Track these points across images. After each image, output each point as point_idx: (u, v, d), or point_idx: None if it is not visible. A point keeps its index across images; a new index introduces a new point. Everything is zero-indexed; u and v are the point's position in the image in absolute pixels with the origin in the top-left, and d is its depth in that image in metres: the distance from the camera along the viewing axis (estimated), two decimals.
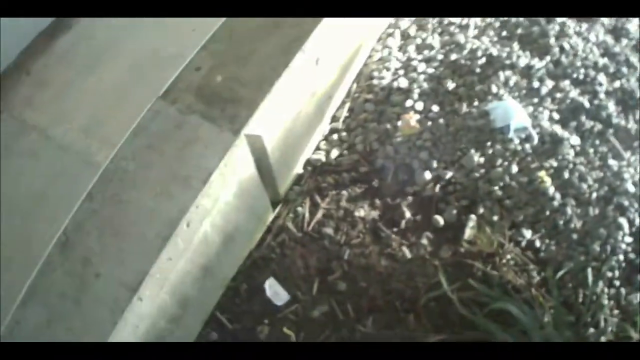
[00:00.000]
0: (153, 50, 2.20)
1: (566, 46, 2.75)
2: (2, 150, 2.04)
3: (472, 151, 2.40)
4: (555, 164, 2.41)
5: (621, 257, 2.30)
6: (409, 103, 2.53)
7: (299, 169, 2.46)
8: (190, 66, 2.11)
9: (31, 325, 1.73)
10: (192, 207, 1.80)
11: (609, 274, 2.26)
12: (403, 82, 2.60)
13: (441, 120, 2.47)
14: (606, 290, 2.24)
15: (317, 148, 2.52)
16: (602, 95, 2.63)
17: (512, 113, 2.44)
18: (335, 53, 2.44)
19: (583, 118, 2.55)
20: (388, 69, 2.70)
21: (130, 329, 1.75)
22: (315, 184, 2.41)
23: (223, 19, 2.20)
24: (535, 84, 2.60)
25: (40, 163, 2.00)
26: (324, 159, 2.48)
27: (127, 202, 1.85)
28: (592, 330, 2.13)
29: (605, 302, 2.21)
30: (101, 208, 1.85)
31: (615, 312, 2.20)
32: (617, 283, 2.26)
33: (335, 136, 2.55)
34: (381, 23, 2.90)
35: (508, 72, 2.61)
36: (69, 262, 1.79)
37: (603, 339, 2.11)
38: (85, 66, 2.20)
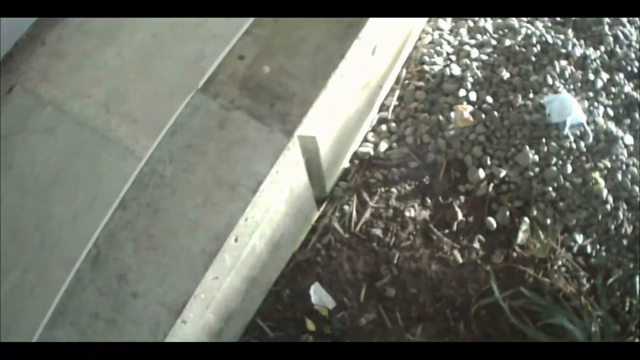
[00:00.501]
0: (175, 21, 1.76)
1: (620, 35, 2.31)
2: (16, 127, 1.67)
3: (527, 148, 1.98)
4: (609, 164, 2.03)
5: None
6: (462, 93, 2.08)
7: (346, 163, 2.04)
8: (232, 53, 1.66)
9: None
10: (241, 220, 1.41)
11: None
12: (455, 69, 2.15)
13: (495, 113, 2.04)
14: None
15: (365, 140, 2.09)
16: None
17: (569, 108, 2.02)
18: (390, 38, 2.00)
19: (637, 115, 2.15)
20: (440, 54, 2.24)
21: None
22: (363, 179, 2.00)
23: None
24: (591, 76, 2.16)
25: (56, 140, 1.63)
26: (372, 152, 2.05)
27: (166, 212, 1.46)
28: (637, 340, 1.85)
29: None
30: (136, 218, 1.46)
31: None
32: None
33: (384, 127, 2.11)
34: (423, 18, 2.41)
35: (563, 62, 2.16)
36: (102, 279, 1.42)
37: None
38: (104, 37, 1.79)
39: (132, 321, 1.36)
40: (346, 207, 1.93)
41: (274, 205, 1.53)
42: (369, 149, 2.04)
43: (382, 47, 1.87)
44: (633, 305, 1.89)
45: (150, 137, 1.55)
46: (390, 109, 2.13)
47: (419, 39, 2.30)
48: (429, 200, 1.94)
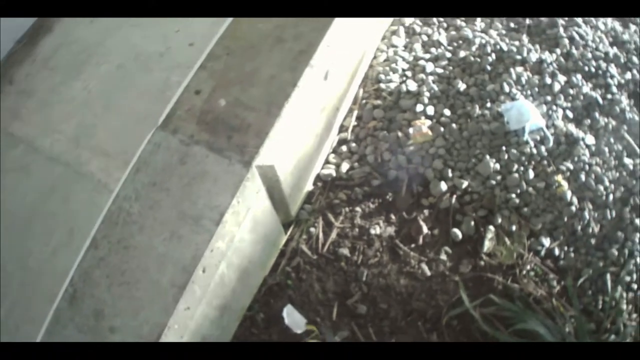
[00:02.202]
0: (138, 52, 2.05)
1: (576, 36, 2.59)
2: None
3: (488, 157, 2.25)
4: (571, 166, 2.28)
5: (639, 259, 2.21)
6: (419, 108, 2.35)
7: (309, 186, 2.29)
8: (189, 89, 1.92)
9: None
10: (206, 252, 1.65)
11: (627, 278, 2.19)
12: (412, 85, 2.43)
13: (454, 125, 2.31)
14: (625, 295, 2.17)
15: (327, 162, 2.35)
16: (614, 89, 2.49)
17: (527, 114, 2.29)
18: (343, 62, 2.26)
19: (597, 115, 2.42)
20: (395, 71, 2.51)
21: None
22: (327, 201, 2.25)
23: (219, 33, 2.02)
24: (548, 80, 2.44)
25: (30, 177, 1.88)
26: (334, 173, 2.30)
27: (135, 248, 1.69)
28: (613, 336, 2.07)
29: (624, 307, 2.14)
30: (108, 255, 1.70)
31: (634, 316, 2.15)
32: (635, 287, 2.19)
33: (344, 147, 2.37)
34: (385, 20, 2.70)
35: (519, 69, 2.45)
36: (80, 316, 1.64)
37: None
38: (70, 71, 2.07)
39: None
40: (312, 229, 2.17)
41: (238, 234, 1.76)
42: (331, 170, 2.29)
43: (335, 71, 2.13)
44: (606, 302, 2.12)
45: (121, 170, 1.79)
46: (350, 130, 2.39)
47: (374, 57, 2.58)
48: (393, 217, 2.19)
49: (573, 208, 2.21)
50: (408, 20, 2.72)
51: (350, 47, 2.31)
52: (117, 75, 1.99)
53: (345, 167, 2.31)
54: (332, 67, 2.07)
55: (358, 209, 2.22)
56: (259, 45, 1.97)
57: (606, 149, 2.35)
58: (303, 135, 2.06)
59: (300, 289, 2.10)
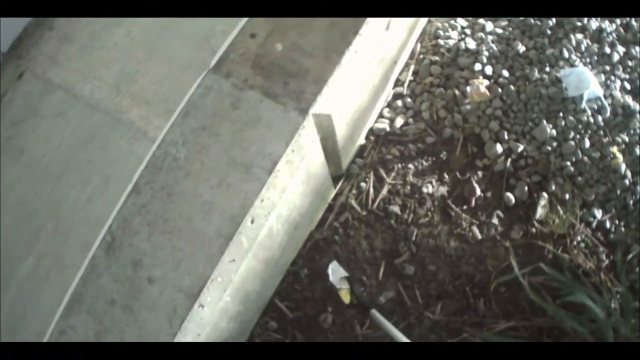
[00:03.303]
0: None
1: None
2: (27, 112, 1.55)
3: (544, 122, 1.83)
4: (627, 138, 1.87)
5: None
6: (477, 67, 1.92)
7: (362, 139, 1.89)
8: (244, 32, 1.51)
9: (79, 336, 1.27)
10: (256, 202, 1.29)
11: None
12: (470, 43, 1.99)
13: (512, 87, 1.88)
14: None
15: (381, 115, 1.94)
16: None
17: (586, 81, 1.86)
18: (396, 28, 1.83)
19: None
20: (454, 28, 2.07)
21: (191, 337, 1.27)
22: (380, 156, 1.84)
23: None
24: (607, 50, 1.99)
25: (68, 124, 1.52)
26: (388, 128, 1.89)
27: (180, 195, 1.33)
28: None
29: None
30: (150, 202, 1.34)
31: None
32: None
33: (399, 102, 1.95)
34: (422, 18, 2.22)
35: (579, 36, 2.00)
36: (117, 266, 1.30)
37: None
38: (112, 18, 1.65)
39: (149, 307, 1.25)
40: (363, 185, 1.79)
41: (290, 185, 1.40)
42: (385, 125, 1.89)
43: (396, 22, 1.72)
44: None
45: (162, 118, 1.43)
46: (406, 84, 1.97)
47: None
48: (446, 176, 1.80)
49: (626, 181, 1.82)
50: None
51: None
52: (161, 22, 1.60)
53: (399, 122, 1.91)
54: (393, 17, 1.62)
55: (411, 165, 1.82)
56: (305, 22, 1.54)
57: None
58: (360, 86, 1.67)
59: (347, 246, 1.73)
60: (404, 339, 1.49)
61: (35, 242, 1.37)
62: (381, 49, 1.70)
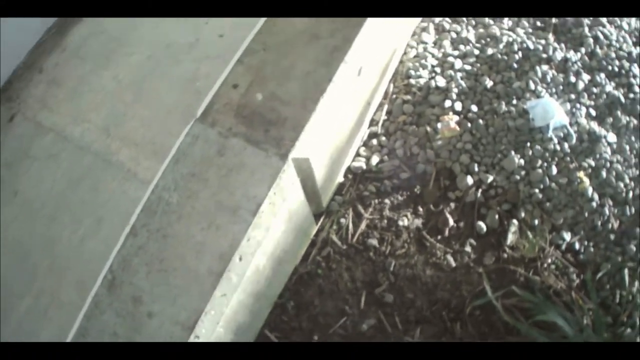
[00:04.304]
0: (168, 43, 1.98)
1: (600, 36, 2.50)
2: (19, 154, 1.86)
3: (513, 153, 2.17)
4: (593, 163, 2.20)
5: None
6: (447, 103, 2.27)
7: (340, 178, 2.22)
8: (227, 83, 1.85)
9: None
10: (243, 241, 1.59)
11: None
12: (440, 81, 2.35)
13: (480, 121, 2.23)
14: None
15: (357, 154, 2.28)
16: (636, 88, 2.39)
17: (551, 111, 2.20)
18: (375, 58, 2.19)
19: (619, 113, 2.33)
20: (425, 67, 2.43)
21: None
22: (357, 192, 2.18)
23: (256, 29, 1.94)
24: (572, 79, 2.35)
25: (59, 166, 1.82)
26: (364, 166, 2.24)
27: (174, 237, 1.64)
28: (629, 330, 2.00)
29: None
30: (147, 243, 1.65)
31: None
32: None
33: (374, 141, 2.30)
34: (416, 18, 2.61)
35: (545, 67, 2.35)
36: (119, 302, 1.60)
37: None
38: (100, 60, 2.00)
39: (149, 339, 1.53)
40: (343, 220, 2.11)
41: (273, 225, 1.71)
42: (361, 163, 2.23)
43: (368, 67, 2.06)
44: (623, 296, 2.05)
45: (151, 160, 1.74)
46: (380, 124, 2.32)
47: (405, 53, 2.50)
48: (420, 209, 2.13)
49: (594, 204, 2.14)
50: (438, 18, 2.63)
51: (382, 44, 2.23)
52: (147, 65, 1.93)
53: (375, 160, 2.25)
54: (365, 63, 2.00)
55: (387, 201, 2.15)
56: (294, 41, 1.90)
57: (627, 147, 2.27)
58: (336, 128, 2.00)
59: (330, 278, 2.05)
60: None
61: (32, 281, 1.65)
62: (354, 92, 2.03)
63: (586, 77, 2.36)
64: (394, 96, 2.38)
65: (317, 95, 1.75)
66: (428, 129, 2.24)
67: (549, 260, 2.07)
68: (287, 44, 1.89)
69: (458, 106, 2.27)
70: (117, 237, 1.65)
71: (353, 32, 1.87)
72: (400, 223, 2.09)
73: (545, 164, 2.16)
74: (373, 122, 2.34)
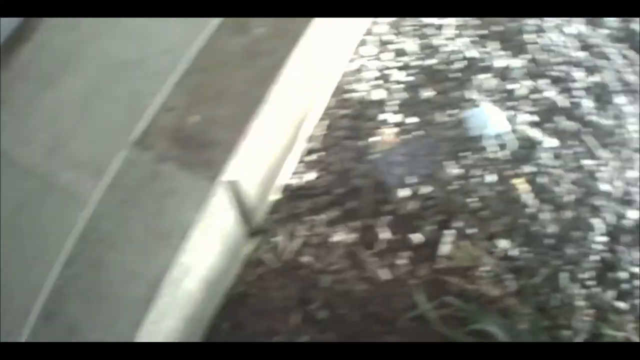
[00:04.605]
0: (114, 62, 2.29)
1: (543, 42, 2.90)
2: None
3: (449, 163, 2.55)
4: (531, 169, 2.57)
5: (596, 257, 2.48)
6: (385, 116, 2.65)
7: (275, 195, 2.56)
8: (164, 105, 2.17)
9: None
10: (174, 266, 1.89)
11: (583, 276, 2.44)
12: (379, 94, 2.72)
13: (417, 133, 2.60)
14: (580, 292, 2.43)
15: (294, 171, 2.64)
16: (577, 93, 2.78)
17: (488, 120, 2.61)
18: (312, 74, 2.54)
19: (559, 118, 2.71)
20: (364, 80, 2.81)
21: None
22: (293, 209, 2.55)
23: (195, 49, 2.30)
24: (512, 86, 2.74)
25: (4, 190, 2.07)
26: (299, 182, 2.60)
27: (108, 265, 1.92)
28: (566, 332, 2.33)
29: (580, 303, 2.40)
30: (82, 273, 1.92)
31: (590, 312, 2.41)
32: (591, 284, 2.44)
33: (312, 156, 2.65)
34: (356, 30, 2.99)
35: (485, 75, 2.75)
36: (55, 332, 1.87)
37: (578, 340, 2.32)
38: (45, 81, 2.27)
39: None
40: (277, 238, 2.46)
41: (204, 248, 2.02)
42: (296, 179, 2.57)
43: (304, 84, 2.43)
44: (561, 300, 2.37)
45: (90, 183, 2.01)
46: (317, 139, 2.68)
47: (345, 67, 2.87)
48: (354, 224, 2.49)
49: (530, 210, 2.50)
50: (378, 30, 3.01)
51: (321, 59, 2.60)
52: (93, 85, 2.22)
53: (310, 176, 2.58)
54: (301, 80, 2.36)
55: (322, 217, 2.51)
56: (232, 61, 2.24)
57: (566, 152, 2.64)
58: (270, 148, 2.35)
59: (264, 297, 2.38)
60: None
61: None
62: (290, 110, 2.39)
63: (527, 83, 2.75)
64: (333, 110, 2.75)
65: (250, 116, 2.09)
66: (365, 142, 2.61)
67: (485, 269, 2.41)
68: (225, 65, 2.23)
69: (395, 118, 2.65)
70: (54, 266, 1.92)
71: (290, 49, 2.23)
72: (334, 239, 2.46)
73: (482, 173, 2.53)
74: (312, 138, 2.70)
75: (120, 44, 2.33)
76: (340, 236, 2.51)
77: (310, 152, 2.70)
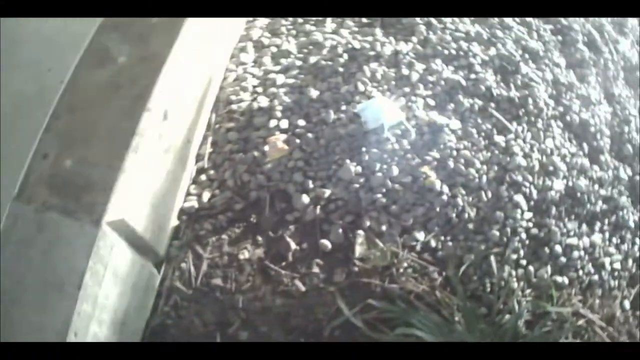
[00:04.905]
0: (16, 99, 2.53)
1: (433, 21, 3.29)
2: None
3: (348, 161, 2.85)
4: (437, 155, 2.90)
5: (524, 235, 2.84)
6: (272, 123, 2.97)
7: (174, 221, 2.83)
8: (37, 153, 2.38)
9: None
10: (74, 316, 2.06)
11: (514, 256, 2.79)
12: (263, 101, 3.04)
13: (310, 135, 2.91)
14: (514, 272, 2.78)
15: (188, 194, 2.90)
16: (478, 68, 3.17)
17: (383, 110, 2.93)
18: (186, 94, 2.83)
19: (460, 97, 3.08)
20: (245, 89, 3.11)
21: None
22: (194, 233, 2.80)
23: (61, 88, 2.54)
24: (405, 71, 3.11)
25: None
26: (196, 204, 2.85)
27: (12, 322, 2.09)
28: (507, 316, 2.62)
29: (515, 285, 2.74)
30: None
31: (528, 291, 2.77)
32: (524, 262, 2.81)
33: (203, 176, 2.94)
34: (232, 38, 3.31)
35: (374, 65, 3.12)
36: None
37: (521, 322, 2.63)
38: None
39: None
40: (184, 265, 2.69)
41: (102, 292, 2.20)
42: (193, 202, 2.84)
43: (178, 106, 2.68)
44: (494, 284, 2.69)
45: None
46: (206, 158, 2.95)
47: (224, 78, 3.19)
48: (260, 238, 2.76)
49: (445, 197, 2.81)
50: (255, 34, 3.36)
51: (194, 77, 2.90)
52: None
53: (206, 196, 2.89)
54: (172, 104, 2.60)
55: (224, 236, 2.79)
56: (98, 96, 2.47)
57: (474, 131, 2.99)
58: (154, 177, 2.59)
59: (182, 326, 2.62)
60: None
61: None
62: (167, 136, 2.62)
63: (420, 66, 3.12)
64: (217, 126, 3.05)
65: (123, 151, 2.31)
66: (256, 153, 2.90)
67: (405, 265, 2.70)
68: (91, 101, 2.46)
69: (284, 124, 2.97)
70: None
71: (155, 75, 2.47)
72: (241, 257, 2.72)
73: (385, 166, 2.84)
74: (199, 157, 2.97)
75: (21, 79, 2.62)
76: (247, 253, 2.79)
77: (201, 171, 2.99)
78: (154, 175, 2.62)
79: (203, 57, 2.99)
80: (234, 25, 3.35)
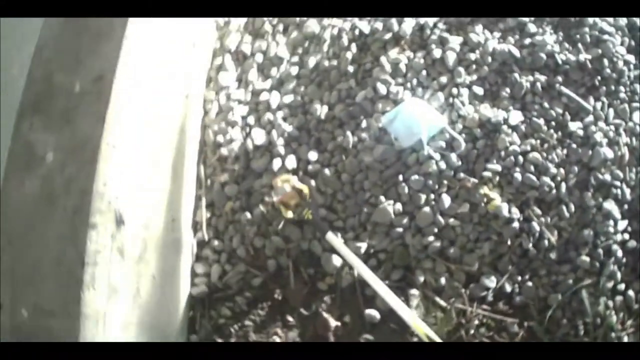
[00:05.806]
0: None
1: None
2: None
3: (382, 198, 2.67)
4: (498, 166, 2.65)
5: (619, 253, 2.53)
6: (276, 163, 2.75)
7: (186, 313, 2.66)
8: None
9: None
10: None
11: (610, 284, 2.50)
12: (259, 135, 2.84)
13: (327, 170, 2.74)
14: (611, 303, 2.50)
15: (194, 275, 2.75)
16: (531, 27, 2.65)
17: (417, 118, 2.54)
18: (148, 170, 2.46)
19: (516, 75, 2.61)
20: (234, 124, 2.96)
21: None
22: (212, 323, 2.64)
23: None
24: (436, 53, 2.72)
25: None
26: (206, 287, 2.73)
27: None
28: None
29: (614, 318, 2.45)
30: None
31: (629, 322, 2.43)
32: (622, 287, 2.52)
33: (207, 250, 2.84)
34: (201, 55, 2.94)
35: (393, 52, 2.73)
36: None
37: None
38: None
39: None
40: None
41: None
42: (202, 285, 2.76)
43: (140, 190, 2.33)
44: (588, 324, 2.50)
45: None
46: (204, 226, 2.88)
47: (205, 114, 3.06)
48: (290, 319, 2.68)
49: (515, 223, 2.60)
50: (232, 42, 3.05)
51: (155, 137, 2.53)
52: None
53: (216, 273, 2.77)
54: (128, 196, 2.26)
55: (247, 322, 2.65)
56: (32, 217, 2.19)
57: (541, 121, 2.72)
58: (135, 289, 2.36)
59: None
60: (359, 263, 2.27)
61: None
62: (133, 239, 2.30)
63: (456, 41, 2.84)
64: (209, 181, 2.97)
65: (77, 291, 2.01)
66: (263, 208, 2.76)
67: (476, 323, 2.54)
68: (26, 225, 2.13)
69: (291, 161, 2.79)
70: None
71: (90, 173, 2.04)
72: (276, 341, 2.76)
73: (432, 196, 2.70)
74: (197, 227, 2.91)
75: None
76: (278, 339, 2.58)
77: (202, 245, 2.89)
78: (128, 289, 2.26)
79: (161, 102, 2.57)
80: (202, 37, 3.02)
